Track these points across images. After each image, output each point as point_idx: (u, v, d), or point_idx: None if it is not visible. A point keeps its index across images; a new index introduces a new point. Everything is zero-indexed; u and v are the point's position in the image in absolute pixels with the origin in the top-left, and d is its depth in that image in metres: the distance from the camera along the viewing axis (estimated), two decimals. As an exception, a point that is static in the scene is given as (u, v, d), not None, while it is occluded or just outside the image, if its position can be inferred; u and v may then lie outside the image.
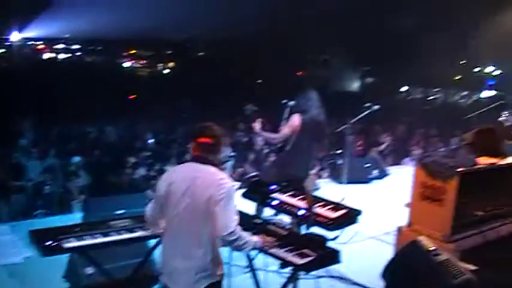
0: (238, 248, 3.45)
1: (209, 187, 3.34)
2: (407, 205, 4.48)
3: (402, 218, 4.56)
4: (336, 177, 9.48)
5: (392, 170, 10.84)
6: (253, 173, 9.81)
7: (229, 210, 3.32)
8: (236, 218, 3.37)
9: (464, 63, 35.64)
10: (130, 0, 24.70)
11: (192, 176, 3.40)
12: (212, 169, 3.44)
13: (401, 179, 9.70)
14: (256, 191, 4.87)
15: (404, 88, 38.69)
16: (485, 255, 4.21)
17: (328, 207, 4.46)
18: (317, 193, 8.22)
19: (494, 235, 4.35)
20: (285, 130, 6.03)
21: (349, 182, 8.64)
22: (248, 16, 22.52)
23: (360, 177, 9.52)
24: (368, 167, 9.86)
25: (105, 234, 4.19)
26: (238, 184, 5.30)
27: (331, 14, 26.57)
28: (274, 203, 4.67)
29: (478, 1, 23.49)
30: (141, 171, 11.23)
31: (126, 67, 38.65)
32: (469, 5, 24.68)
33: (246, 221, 3.77)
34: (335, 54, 31.97)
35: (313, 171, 9.68)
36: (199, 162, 3.46)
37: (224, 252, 3.64)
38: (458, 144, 4.73)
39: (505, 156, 4.54)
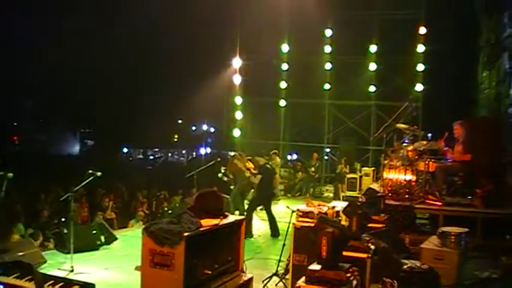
0: None
1: None
2: (138, 268, 4.53)
3: (135, 282, 4.58)
4: (62, 247, 9.03)
5: (119, 233, 10.81)
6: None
7: None
8: None
9: (181, 123, 37.85)
10: None
11: None
12: None
13: (129, 242, 9.81)
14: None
15: (125, 150, 39.21)
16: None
17: (59, 285, 4.24)
18: (44, 267, 7.78)
19: (223, 290, 4.68)
20: None
21: (76, 251, 8.31)
22: None
23: (88, 245, 9.24)
24: (95, 233, 9.64)
25: None
26: None
27: (46, 74, 25.81)
28: (0, 288, 4.28)
29: (189, 63, 25.42)
30: None
31: None
32: (181, 67, 26.56)
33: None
34: (52, 116, 30.92)
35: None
36: None
37: None
38: (183, 209, 4.97)
39: (225, 216, 4.97)
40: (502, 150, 11.36)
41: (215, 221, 4.70)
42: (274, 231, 10.99)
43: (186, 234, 4.23)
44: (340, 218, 6.85)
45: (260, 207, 11.97)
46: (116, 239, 9.96)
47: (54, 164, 23.32)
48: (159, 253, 4.27)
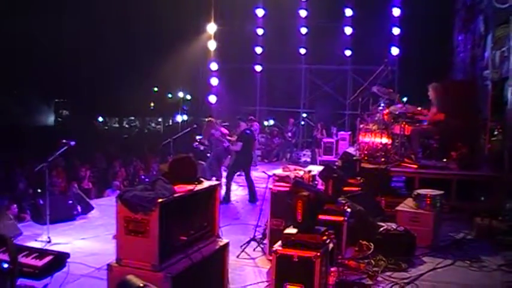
0: None
1: None
2: (115, 237, 4.49)
3: (112, 251, 4.56)
4: (38, 218, 8.93)
5: (96, 203, 10.75)
6: None
7: None
8: None
9: (156, 90, 37.42)
10: None
11: None
12: None
13: (106, 211, 9.75)
14: None
15: (100, 119, 38.76)
16: (193, 276, 4.51)
17: (34, 255, 4.20)
18: (20, 239, 7.70)
19: (199, 256, 4.66)
20: None
21: (53, 222, 8.24)
22: None
23: (64, 216, 9.16)
24: (71, 203, 9.55)
25: None
26: None
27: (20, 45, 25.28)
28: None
29: (163, 30, 25.03)
30: None
31: None
32: (156, 34, 26.13)
33: None
34: (26, 87, 30.33)
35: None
36: None
37: None
38: (157, 176, 4.92)
39: (200, 181, 4.93)
40: (476, 113, 11.48)
41: (189, 187, 4.66)
42: (252, 197, 11.03)
43: (160, 200, 4.19)
44: (316, 182, 6.87)
45: (238, 172, 11.98)
46: (92, 208, 9.91)
47: (30, 136, 23.09)
48: (133, 220, 4.22)
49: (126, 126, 41.38)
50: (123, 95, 30.58)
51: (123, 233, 4.29)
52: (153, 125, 43.07)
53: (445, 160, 10.03)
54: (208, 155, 12.64)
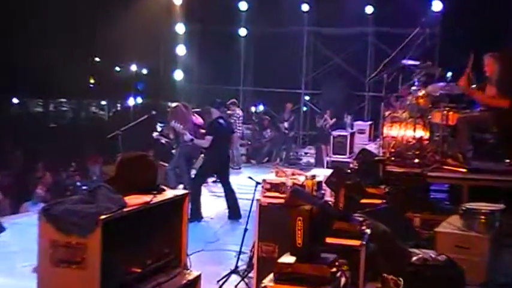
0: None
1: None
2: (36, 270, 4.47)
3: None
4: None
5: (9, 221, 10.74)
6: None
7: None
8: None
9: (99, 61, 37.16)
10: None
11: None
12: None
13: (24, 233, 9.71)
14: None
15: (16, 100, 38.43)
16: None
17: None
18: None
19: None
20: None
21: None
22: None
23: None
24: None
25: None
26: None
27: None
28: None
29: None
30: None
31: None
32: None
33: None
34: None
35: None
36: None
37: None
38: (100, 182, 4.89)
39: (161, 191, 4.91)
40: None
41: (146, 198, 4.66)
42: (234, 212, 11.07)
43: (103, 217, 4.17)
44: (323, 192, 6.91)
45: (213, 178, 11.99)
46: (4, 229, 9.91)
47: None
48: (64, 245, 4.19)
49: (54, 111, 41.16)
50: (49, 68, 30.40)
51: (49, 263, 4.27)
52: (93, 110, 42.91)
53: (507, 161, 10.07)
54: (174, 151, 12.64)
